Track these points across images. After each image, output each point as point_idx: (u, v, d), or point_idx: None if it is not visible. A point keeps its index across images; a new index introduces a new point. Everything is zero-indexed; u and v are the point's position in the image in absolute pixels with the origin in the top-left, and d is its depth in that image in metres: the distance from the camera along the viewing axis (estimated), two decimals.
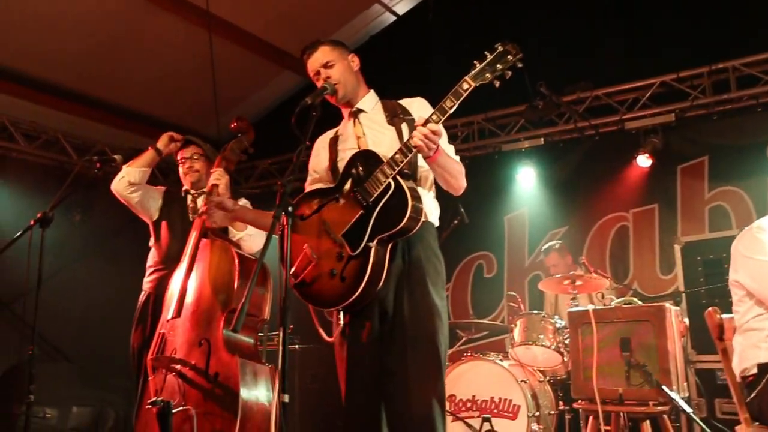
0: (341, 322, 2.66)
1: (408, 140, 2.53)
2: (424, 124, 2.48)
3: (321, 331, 2.72)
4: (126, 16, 6.43)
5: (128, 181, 3.89)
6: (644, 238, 6.15)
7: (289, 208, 2.23)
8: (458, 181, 2.74)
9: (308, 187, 2.99)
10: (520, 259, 6.77)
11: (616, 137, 6.27)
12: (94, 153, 7.17)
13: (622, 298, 4.26)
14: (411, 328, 2.56)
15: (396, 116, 2.77)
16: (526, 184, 6.63)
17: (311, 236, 2.72)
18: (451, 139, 7.30)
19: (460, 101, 2.51)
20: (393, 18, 7.56)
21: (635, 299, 4.17)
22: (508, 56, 2.50)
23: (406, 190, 2.52)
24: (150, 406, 3.28)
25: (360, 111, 2.87)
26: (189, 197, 4.05)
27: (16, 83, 6.67)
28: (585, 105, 6.27)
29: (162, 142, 3.93)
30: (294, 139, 2.56)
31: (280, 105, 8.19)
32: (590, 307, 4.00)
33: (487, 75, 2.51)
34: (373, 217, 2.56)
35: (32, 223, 3.36)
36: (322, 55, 2.84)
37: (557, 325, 4.96)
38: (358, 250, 2.55)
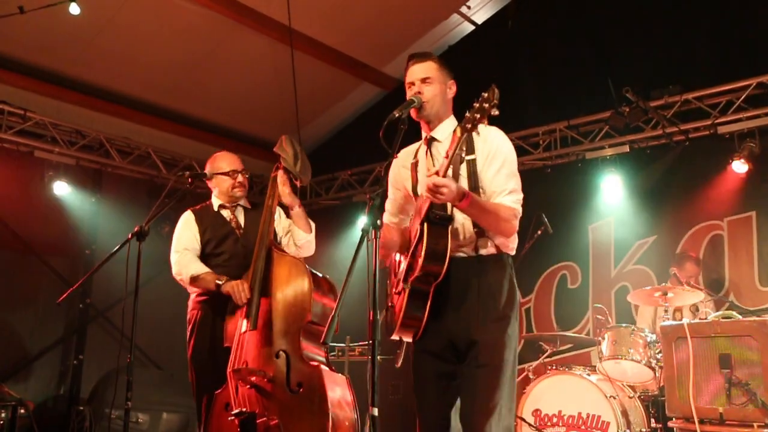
0: (398, 350, 2.80)
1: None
2: (437, 174, 2.51)
3: (398, 356, 2.86)
4: (212, 36, 6.68)
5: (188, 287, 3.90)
6: (741, 248, 5.84)
7: (378, 221, 2.23)
8: (496, 229, 2.66)
9: (388, 204, 3.01)
10: (605, 269, 6.56)
11: (708, 142, 6.00)
12: (182, 167, 7.45)
13: (720, 312, 4.06)
14: (483, 359, 2.59)
15: (459, 151, 2.67)
16: (612, 192, 6.42)
17: (392, 271, 2.91)
18: (533, 147, 7.19)
19: (455, 148, 2.51)
20: (472, 27, 7.51)
21: (734, 313, 3.96)
22: (484, 104, 2.41)
23: (425, 233, 2.55)
24: (233, 418, 3.35)
25: (434, 140, 2.82)
26: (227, 213, 3.98)
27: (111, 102, 7.05)
28: (674, 109, 6.03)
29: (232, 290, 3.63)
30: (373, 151, 2.59)
31: (359, 117, 8.30)
32: (685, 321, 3.82)
33: (468, 125, 2.45)
34: (408, 258, 2.66)
35: (130, 236, 3.48)
36: (425, 69, 2.83)
37: (648, 339, 4.77)
38: (400, 288, 2.68)
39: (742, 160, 5.66)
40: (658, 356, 4.63)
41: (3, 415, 5.31)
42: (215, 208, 4.00)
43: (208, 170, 3.99)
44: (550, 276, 6.80)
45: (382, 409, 2.26)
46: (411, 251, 2.65)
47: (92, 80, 6.83)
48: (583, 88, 6.45)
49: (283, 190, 3.86)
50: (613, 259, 6.54)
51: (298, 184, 3.98)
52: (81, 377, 6.94)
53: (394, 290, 2.77)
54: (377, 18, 6.97)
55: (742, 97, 5.76)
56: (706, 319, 3.95)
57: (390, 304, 2.78)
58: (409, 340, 2.76)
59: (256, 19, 6.54)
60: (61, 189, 6.71)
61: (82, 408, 6.26)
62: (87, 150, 6.98)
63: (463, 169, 2.68)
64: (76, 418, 6.28)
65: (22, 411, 5.50)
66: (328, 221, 8.15)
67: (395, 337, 2.76)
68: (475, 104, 2.44)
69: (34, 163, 6.65)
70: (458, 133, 2.48)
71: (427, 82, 2.80)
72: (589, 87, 6.33)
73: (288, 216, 4.04)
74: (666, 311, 4.67)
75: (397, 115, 2.60)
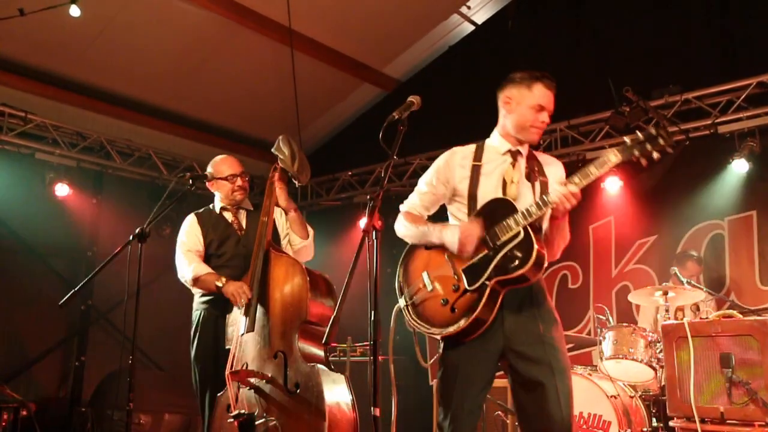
0: (439, 350, 2.81)
1: (545, 195, 2.62)
2: (566, 184, 2.59)
3: (419, 356, 2.83)
4: (212, 37, 6.69)
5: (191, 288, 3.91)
6: (741, 247, 5.84)
7: (379, 222, 2.24)
8: (559, 248, 2.82)
9: (424, 194, 3.00)
10: (606, 269, 6.56)
11: (708, 142, 6.00)
12: (183, 168, 7.45)
13: (721, 311, 4.05)
14: (558, 363, 2.67)
15: (533, 171, 2.81)
16: (612, 192, 6.42)
17: (431, 264, 2.83)
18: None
19: (603, 171, 2.58)
20: (472, 27, 7.52)
21: (735, 312, 3.96)
22: (660, 140, 2.51)
23: (534, 240, 2.60)
24: (231, 420, 3.36)
25: (519, 153, 2.88)
26: (228, 215, 4.02)
27: (111, 104, 7.05)
28: (674, 109, 6.03)
29: (228, 290, 3.68)
30: (374, 152, 2.59)
31: (360, 117, 8.31)
32: (686, 320, 3.82)
33: (635, 152, 2.53)
34: (497, 259, 2.64)
35: (131, 238, 3.49)
36: (553, 101, 2.88)
37: (649, 339, 4.77)
38: (475, 286, 2.65)
39: (743, 160, 5.66)
40: (659, 356, 4.62)
41: (5, 416, 5.32)
42: (217, 211, 4.04)
43: (209, 173, 4.04)
44: (551, 276, 6.80)
45: (384, 410, 2.27)
46: (504, 252, 2.64)
47: (93, 82, 6.84)
48: (583, 87, 6.45)
49: (280, 194, 3.87)
50: (613, 258, 6.55)
51: (297, 184, 3.99)
52: (83, 379, 6.95)
53: (452, 287, 2.72)
54: (377, 19, 6.98)
55: (743, 97, 5.76)
56: (707, 318, 3.95)
57: (442, 299, 2.73)
58: (446, 338, 2.79)
59: (256, 21, 6.55)
60: (63, 191, 6.71)
61: (84, 409, 6.27)
62: (88, 152, 6.98)
63: (537, 187, 2.78)
64: (78, 420, 6.29)
65: (24, 412, 5.51)
66: (328, 222, 8.16)
67: (440, 336, 2.75)
68: (640, 134, 2.53)
69: (35, 165, 6.66)
70: (620, 157, 2.53)
71: (550, 113, 2.87)
72: (590, 87, 6.33)
73: None
74: (667, 311, 4.66)
75: (396, 116, 2.62)
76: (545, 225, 2.77)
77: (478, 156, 2.91)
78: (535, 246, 2.57)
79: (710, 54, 6.05)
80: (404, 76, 7.86)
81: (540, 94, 2.81)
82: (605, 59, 6.37)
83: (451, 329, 2.67)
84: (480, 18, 7.44)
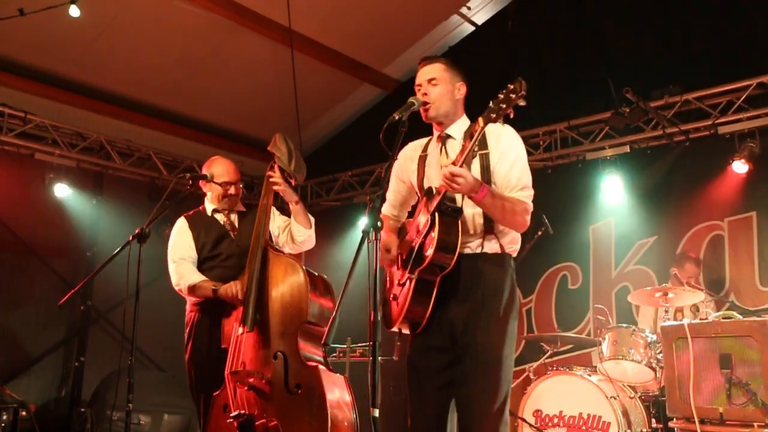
0: (398, 342, 2.81)
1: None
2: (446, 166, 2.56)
3: (397, 349, 2.86)
4: (212, 37, 6.69)
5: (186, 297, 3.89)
6: (741, 248, 5.84)
7: (378, 223, 2.24)
8: (511, 222, 2.68)
9: (390, 195, 3.04)
10: (606, 270, 6.56)
11: (708, 143, 6.00)
12: (182, 169, 7.45)
13: (721, 312, 4.06)
14: (482, 355, 2.61)
15: (471, 149, 2.69)
16: (612, 192, 6.42)
17: (396, 263, 2.89)
18: (533, 148, 7.18)
19: (475, 141, 2.54)
20: (472, 28, 7.53)
21: (735, 313, 3.96)
22: (511, 95, 2.45)
23: (437, 225, 2.56)
24: (231, 420, 3.35)
25: (448, 137, 2.85)
26: (220, 216, 3.96)
27: (112, 104, 7.06)
28: (674, 110, 6.03)
29: (225, 291, 3.63)
30: (374, 152, 2.60)
31: (360, 118, 8.31)
32: (686, 321, 3.83)
33: (493, 115, 2.48)
34: (415, 251, 2.66)
35: (131, 238, 3.49)
36: (432, 70, 2.82)
37: (649, 339, 4.77)
38: (405, 279, 2.69)
39: (743, 161, 5.66)
40: (659, 356, 4.63)
41: (5, 417, 5.32)
42: (209, 213, 3.99)
43: (209, 175, 4.01)
44: (551, 276, 6.80)
45: (383, 410, 2.26)
46: (419, 242, 2.65)
47: (93, 82, 6.84)
48: (583, 88, 6.45)
49: (285, 188, 3.83)
50: (613, 259, 6.54)
51: (293, 182, 3.96)
52: (82, 379, 6.95)
53: (397, 281, 2.77)
54: (377, 19, 6.98)
55: (743, 98, 5.76)
56: (706, 319, 3.95)
57: (392, 295, 2.79)
58: (408, 332, 2.78)
59: (256, 21, 6.55)
60: (62, 191, 6.71)
61: (83, 410, 6.27)
62: (88, 152, 6.98)
63: (476, 163, 2.70)
64: (77, 420, 6.28)
65: (24, 413, 5.51)
66: (328, 222, 8.14)
67: (395, 328, 2.76)
68: (499, 95, 2.47)
69: (35, 166, 6.65)
70: (481, 123, 2.50)
71: (432, 83, 2.80)
72: (590, 87, 6.33)
73: (283, 214, 4.03)
74: (667, 311, 4.67)
75: (396, 117, 2.61)
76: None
77: (426, 147, 2.93)
78: (435, 230, 2.54)
79: (710, 54, 6.05)
80: (404, 76, 7.86)
81: (416, 78, 2.85)
82: (605, 60, 6.37)
83: (396, 323, 2.72)
84: (480, 18, 7.44)
